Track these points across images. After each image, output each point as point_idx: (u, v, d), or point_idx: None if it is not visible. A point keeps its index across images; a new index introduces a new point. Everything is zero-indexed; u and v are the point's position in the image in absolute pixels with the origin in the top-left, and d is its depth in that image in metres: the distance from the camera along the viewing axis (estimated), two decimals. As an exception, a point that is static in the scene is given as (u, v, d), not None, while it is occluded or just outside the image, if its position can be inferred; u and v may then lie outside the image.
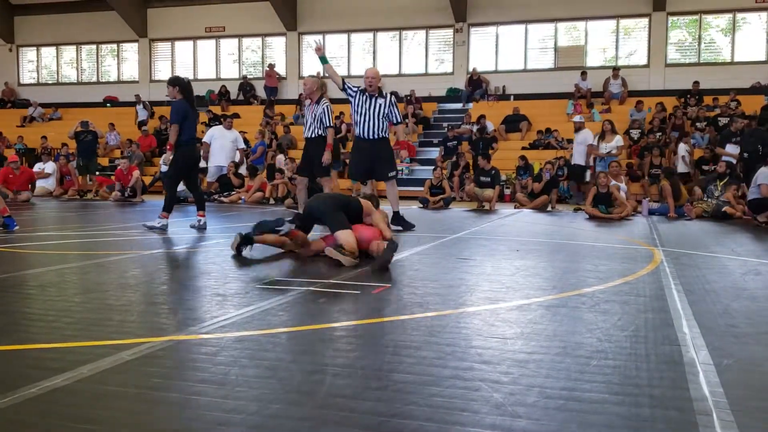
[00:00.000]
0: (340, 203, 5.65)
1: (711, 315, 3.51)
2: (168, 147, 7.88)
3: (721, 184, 11.16)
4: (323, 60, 8.10)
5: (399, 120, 8.21)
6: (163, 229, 7.51)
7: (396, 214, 7.94)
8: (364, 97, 7.96)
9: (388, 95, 8.14)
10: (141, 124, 21.04)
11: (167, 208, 7.71)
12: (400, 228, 7.78)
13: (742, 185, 11.40)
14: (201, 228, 7.73)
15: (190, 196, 13.57)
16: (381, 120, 7.96)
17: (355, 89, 8.02)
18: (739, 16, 19.28)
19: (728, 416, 2.09)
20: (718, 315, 3.52)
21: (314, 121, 8.56)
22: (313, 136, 8.62)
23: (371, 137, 7.99)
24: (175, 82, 7.95)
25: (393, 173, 8.15)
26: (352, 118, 8.19)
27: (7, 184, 13.95)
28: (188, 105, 7.82)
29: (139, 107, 21.58)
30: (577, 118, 14.95)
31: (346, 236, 5.26)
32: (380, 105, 7.95)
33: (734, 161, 12.69)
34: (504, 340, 2.94)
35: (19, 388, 2.23)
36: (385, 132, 8.08)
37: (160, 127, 20.18)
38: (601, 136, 14.07)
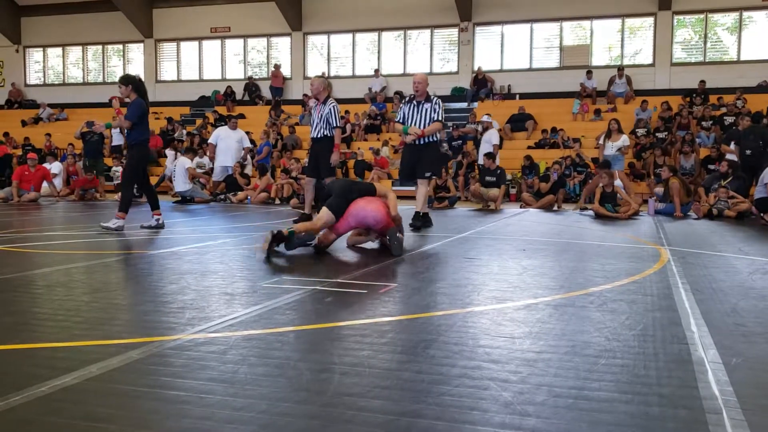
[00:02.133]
0: (347, 187, 6.10)
1: (719, 314, 3.50)
2: (109, 124, 8.14)
3: (725, 183, 11.13)
4: (405, 130, 8.16)
5: (437, 119, 8.17)
6: (119, 230, 7.36)
7: (417, 214, 8.12)
8: (412, 104, 8.21)
9: (434, 98, 8.27)
10: (115, 149, 17.52)
11: (122, 208, 7.52)
12: (417, 225, 7.93)
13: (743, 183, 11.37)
14: (159, 227, 7.70)
15: (198, 196, 13.67)
16: (426, 126, 8.09)
17: (405, 100, 8.29)
18: (746, 14, 19.21)
19: (738, 415, 2.08)
20: (726, 314, 3.51)
21: (321, 121, 8.57)
22: (319, 136, 8.63)
23: (418, 142, 8.15)
24: (127, 80, 7.75)
25: (429, 174, 8.34)
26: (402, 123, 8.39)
27: (22, 183, 14.02)
28: (145, 105, 7.68)
29: (116, 131, 17.43)
30: (485, 118, 14.80)
31: (321, 214, 5.92)
32: (426, 110, 8.13)
33: (737, 158, 12.64)
34: (512, 340, 2.93)
35: (28, 387, 2.24)
36: (433, 137, 8.24)
37: (166, 128, 20.23)
38: (608, 135, 14.03)
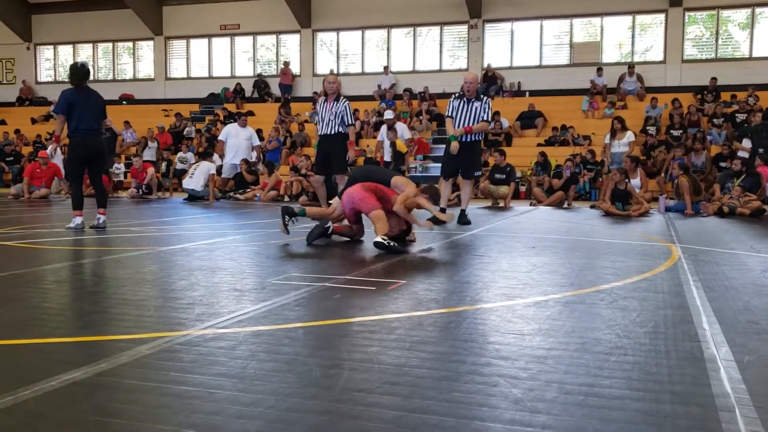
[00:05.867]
0: (364, 174, 6.41)
1: (731, 312, 3.47)
2: (53, 139, 7.65)
3: (739, 181, 11.05)
4: (452, 138, 8.33)
5: (485, 119, 8.38)
6: (78, 229, 7.08)
7: (463, 212, 8.48)
8: (462, 101, 8.32)
9: (484, 98, 8.41)
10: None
11: (75, 206, 7.22)
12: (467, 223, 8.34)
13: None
14: (100, 227, 7.23)
15: (207, 195, 13.68)
16: (475, 124, 8.25)
17: (454, 96, 8.45)
18: (758, 10, 19.06)
19: (752, 413, 2.06)
20: (738, 312, 3.48)
21: (335, 117, 8.57)
22: (333, 132, 8.63)
23: (464, 140, 8.28)
24: (69, 69, 7.35)
25: (479, 173, 8.75)
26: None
27: (33, 179, 14.11)
28: (74, 93, 7.24)
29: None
30: (388, 114, 14.43)
31: (334, 203, 6.52)
32: (476, 108, 8.25)
33: (747, 156, 12.55)
34: (522, 336, 2.92)
35: (39, 381, 2.25)
36: (478, 136, 8.45)
37: (176, 125, 20.30)
38: (613, 135, 13.98)
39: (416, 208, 6.17)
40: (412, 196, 6.06)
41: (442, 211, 8.44)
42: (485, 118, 8.31)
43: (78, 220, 7.20)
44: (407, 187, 6.18)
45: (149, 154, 18.25)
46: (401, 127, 13.95)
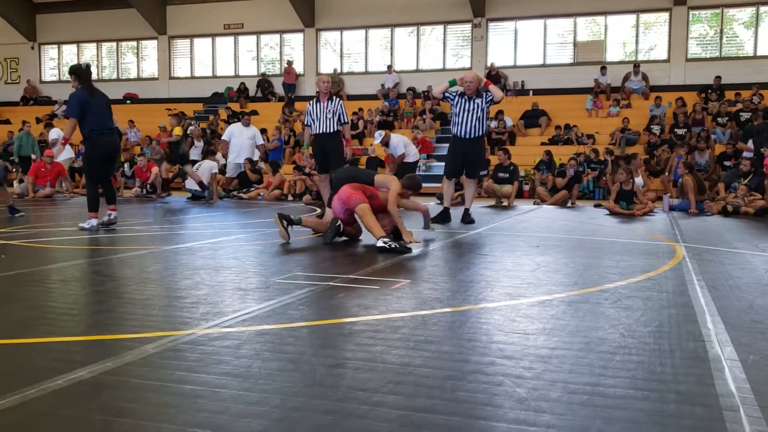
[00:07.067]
0: (346, 177, 6.44)
1: (735, 311, 3.47)
2: (62, 142, 7.52)
3: (746, 181, 11.03)
4: (452, 83, 8.38)
5: (496, 101, 8.44)
6: (93, 230, 7.10)
7: (466, 211, 8.51)
8: (464, 99, 8.32)
9: (485, 95, 8.42)
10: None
11: (91, 208, 7.23)
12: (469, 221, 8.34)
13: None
14: (111, 223, 7.32)
15: (211, 194, 13.69)
16: (477, 121, 8.29)
17: (454, 93, 8.42)
18: (763, 9, 18.99)
19: (756, 412, 2.06)
20: (742, 311, 3.48)
21: (333, 116, 8.62)
22: (331, 131, 8.67)
23: (467, 137, 8.31)
24: (72, 70, 7.40)
25: (484, 173, 8.61)
26: (451, 118, 8.57)
27: (37, 178, 14.14)
28: (86, 94, 7.25)
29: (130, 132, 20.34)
30: (377, 138, 13.56)
31: (327, 212, 6.61)
32: (478, 104, 8.28)
33: (753, 156, 12.53)
34: (526, 336, 2.92)
35: (45, 380, 2.26)
36: (481, 132, 8.44)
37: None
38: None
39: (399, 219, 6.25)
40: (397, 194, 6.19)
41: (446, 216, 8.41)
42: (492, 103, 8.42)
43: (93, 221, 7.20)
44: (391, 184, 6.26)
45: (195, 153, 18.28)
46: (397, 140, 13.44)
